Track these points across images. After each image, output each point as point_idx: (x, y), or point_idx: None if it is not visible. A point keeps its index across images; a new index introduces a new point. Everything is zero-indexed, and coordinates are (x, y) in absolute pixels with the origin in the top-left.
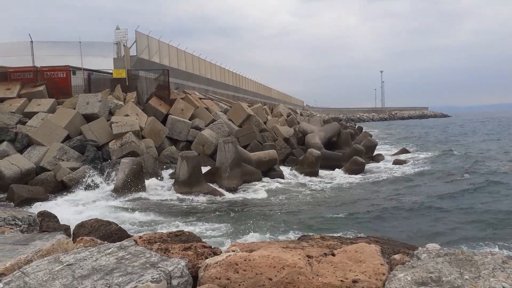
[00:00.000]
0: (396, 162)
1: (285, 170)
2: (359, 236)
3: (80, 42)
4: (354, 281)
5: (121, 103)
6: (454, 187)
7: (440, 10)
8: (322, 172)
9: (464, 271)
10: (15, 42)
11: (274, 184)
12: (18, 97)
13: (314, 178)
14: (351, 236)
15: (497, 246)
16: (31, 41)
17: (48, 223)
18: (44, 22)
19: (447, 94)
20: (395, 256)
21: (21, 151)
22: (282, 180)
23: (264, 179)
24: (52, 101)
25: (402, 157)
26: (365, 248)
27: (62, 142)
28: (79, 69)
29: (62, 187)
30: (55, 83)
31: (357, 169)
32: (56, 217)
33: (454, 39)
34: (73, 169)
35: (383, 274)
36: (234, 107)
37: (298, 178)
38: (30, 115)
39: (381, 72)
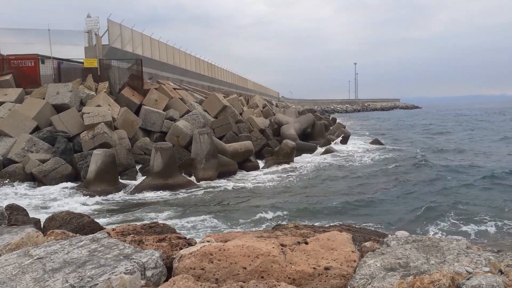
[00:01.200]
0: (366, 151)
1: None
2: (331, 224)
3: (49, 30)
4: (326, 268)
5: (93, 93)
6: (423, 176)
7: (414, 1)
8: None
9: (431, 256)
10: None
11: (249, 175)
12: None
13: (287, 166)
14: (324, 225)
15: (462, 232)
16: None
17: (16, 216)
18: (10, 8)
19: (419, 85)
20: (366, 243)
21: None
22: (257, 171)
23: (239, 171)
24: (19, 90)
25: (373, 146)
26: (337, 236)
27: (31, 133)
28: (48, 57)
29: (32, 180)
30: (23, 72)
31: None
32: (25, 210)
33: (426, 31)
34: (43, 161)
35: (354, 261)
36: (210, 98)
37: (273, 168)
38: None
39: (355, 64)
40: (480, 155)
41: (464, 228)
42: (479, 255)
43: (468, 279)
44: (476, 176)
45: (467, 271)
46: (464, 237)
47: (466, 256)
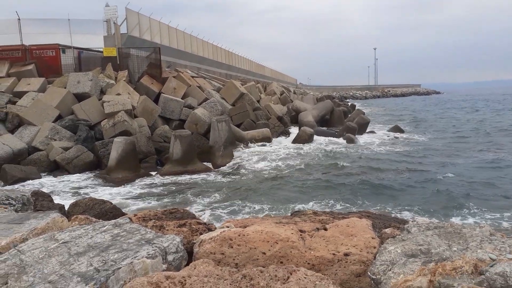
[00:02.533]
0: (387, 137)
1: (281, 139)
2: (350, 211)
3: (69, 19)
4: (346, 254)
5: (113, 82)
6: (444, 163)
7: None
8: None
9: (453, 243)
10: (1, 20)
11: (267, 158)
12: (7, 76)
13: (307, 147)
14: (343, 211)
15: (486, 218)
16: (19, 19)
17: (42, 202)
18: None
19: (441, 70)
20: (386, 230)
21: (12, 131)
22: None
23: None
24: (42, 80)
25: (394, 133)
26: (356, 222)
27: (54, 121)
28: (69, 47)
29: (55, 167)
30: (45, 61)
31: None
32: (50, 196)
33: (449, 14)
34: (66, 148)
35: (374, 247)
36: (227, 86)
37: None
38: (20, 94)
39: (375, 49)
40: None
41: (487, 216)
42: (503, 242)
43: (491, 266)
44: (500, 165)
45: (490, 258)
46: (487, 224)
47: (489, 243)
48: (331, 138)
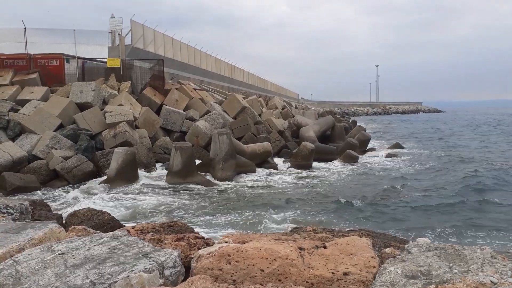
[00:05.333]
0: (389, 156)
1: (279, 161)
2: (350, 229)
3: (74, 30)
4: (345, 274)
5: (115, 92)
6: (445, 182)
7: (440, 4)
8: (315, 164)
9: (454, 265)
10: (8, 29)
11: (267, 175)
12: (10, 84)
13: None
14: (343, 229)
15: (486, 241)
16: (25, 28)
17: (40, 212)
18: (38, 9)
19: (443, 89)
20: (386, 249)
21: (13, 139)
22: (275, 171)
23: (258, 169)
24: (45, 89)
25: (395, 151)
26: (356, 241)
27: (55, 130)
28: (73, 57)
29: (55, 176)
30: (49, 71)
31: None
32: (48, 205)
33: (451, 34)
34: (66, 158)
35: (374, 267)
36: (229, 99)
37: (292, 170)
38: (22, 102)
39: (377, 66)
40: None
41: (489, 238)
42: (504, 265)
43: None
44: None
45: (491, 281)
46: (488, 246)
47: (490, 265)
48: (330, 157)
